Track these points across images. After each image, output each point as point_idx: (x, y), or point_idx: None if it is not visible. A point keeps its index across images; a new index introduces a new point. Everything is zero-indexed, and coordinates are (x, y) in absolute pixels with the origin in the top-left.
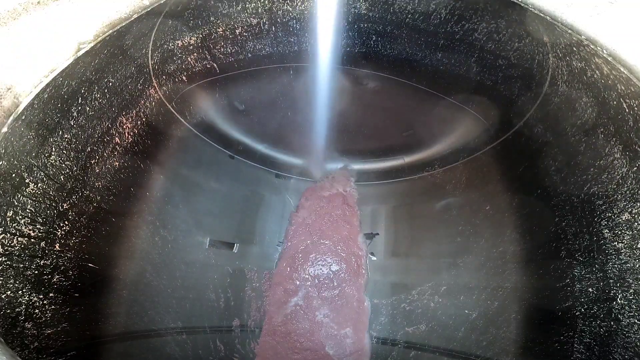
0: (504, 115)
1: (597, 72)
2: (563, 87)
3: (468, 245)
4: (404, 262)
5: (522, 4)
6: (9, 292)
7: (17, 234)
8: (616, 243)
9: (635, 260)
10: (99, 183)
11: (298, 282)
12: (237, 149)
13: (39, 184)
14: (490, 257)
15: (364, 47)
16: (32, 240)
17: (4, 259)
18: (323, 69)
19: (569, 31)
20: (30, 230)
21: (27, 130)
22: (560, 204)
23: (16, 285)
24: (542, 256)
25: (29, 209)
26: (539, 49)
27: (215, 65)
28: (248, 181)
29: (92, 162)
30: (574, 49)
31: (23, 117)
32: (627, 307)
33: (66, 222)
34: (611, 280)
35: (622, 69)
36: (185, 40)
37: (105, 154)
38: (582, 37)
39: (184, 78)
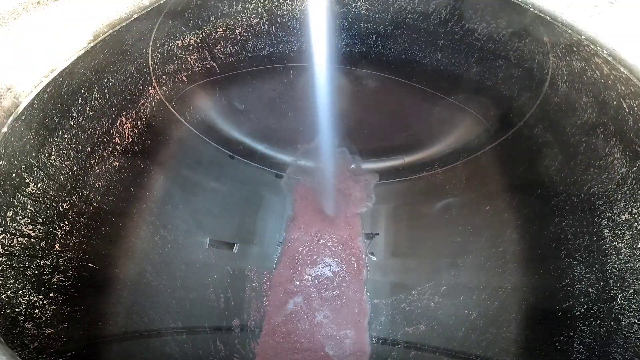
0: (504, 115)
1: (597, 72)
2: (563, 87)
3: (468, 245)
4: (404, 262)
5: (522, 4)
6: (9, 292)
7: (17, 234)
8: (616, 243)
9: (635, 260)
10: (99, 183)
11: (298, 283)
12: (237, 149)
13: (39, 184)
14: (490, 257)
15: (364, 47)
16: (32, 240)
17: (4, 259)
18: (323, 69)
19: (569, 31)
20: (30, 230)
21: (27, 130)
22: (560, 204)
23: (16, 285)
24: (542, 256)
25: (29, 209)
26: (539, 49)
27: (215, 65)
28: (248, 181)
29: (92, 162)
30: (574, 49)
31: (23, 117)
32: (627, 307)
33: (66, 222)
34: (611, 280)
35: (622, 69)
36: (185, 40)
37: (105, 154)
38: (582, 37)
39: (184, 78)
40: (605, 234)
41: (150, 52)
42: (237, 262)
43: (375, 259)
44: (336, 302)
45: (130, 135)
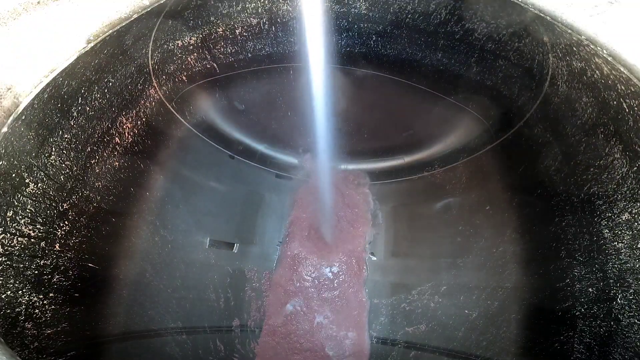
0: (504, 115)
1: (597, 72)
2: (563, 87)
3: (468, 245)
4: (404, 262)
5: (522, 4)
6: (9, 292)
7: (17, 234)
8: (616, 243)
9: (635, 260)
10: (99, 183)
11: (298, 283)
12: (237, 149)
13: (39, 184)
14: (490, 257)
15: (364, 47)
16: (32, 240)
17: (4, 259)
18: (323, 69)
19: (569, 31)
20: (30, 230)
21: (27, 130)
22: (560, 204)
23: (16, 285)
24: (542, 256)
25: (29, 209)
26: (539, 49)
27: (215, 65)
28: (248, 181)
29: (92, 162)
30: (574, 49)
31: (23, 117)
32: (627, 307)
33: (66, 222)
34: (611, 280)
35: (622, 69)
36: (185, 40)
37: (105, 154)
38: (582, 37)
39: (184, 78)
40: (605, 234)
41: (150, 52)
42: (237, 262)
43: (375, 259)
44: (336, 303)
45: (130, 135)
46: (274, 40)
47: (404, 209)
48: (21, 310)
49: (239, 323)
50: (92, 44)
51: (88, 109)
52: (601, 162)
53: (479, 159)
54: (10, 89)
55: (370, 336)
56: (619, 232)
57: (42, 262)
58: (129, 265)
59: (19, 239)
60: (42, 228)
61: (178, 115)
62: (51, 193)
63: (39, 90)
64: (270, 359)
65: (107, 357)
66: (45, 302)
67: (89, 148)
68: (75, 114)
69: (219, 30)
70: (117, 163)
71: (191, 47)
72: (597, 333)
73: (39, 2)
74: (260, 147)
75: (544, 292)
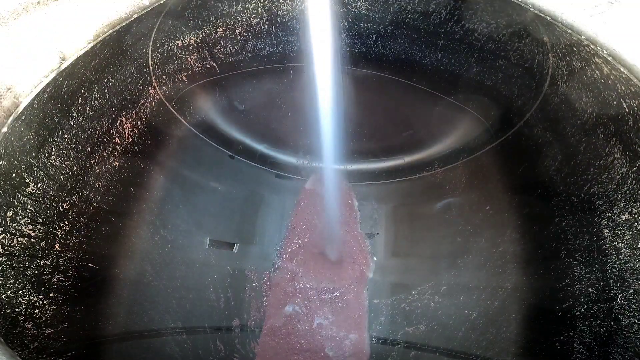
0: (504, 115)
1: (597, 72)
2: (563, 87)
3: (468, 245)
4: (404, 262)
5: (522, 4)
6: (9, 292)
7: (17, 234)
8: (616, 243)
9: (635, 260)
10: (99, 183)
11: (298, 284)
12: (237, 149)
13: (39, 184)
14: (490, 257)
15: (364, 47)
16: (32, 240)
17: (4, 259)
18: (323, 69)
19: (569, 31)
20: (30, 230)
21: (27, 130)
22: (560, 204)
23: (16, 285)
24: (542, 256)
25: (29, 209)
26: (539, 49)
27: (215, 65)
28: (248, 181)
29: (92, 162)
30: (574, 49)
31: (23, 117)
32: (627, 307)
33: (66, 222)
34: (611, 280)
35: (622, 69)
36: (185, 40)
37: (105, 154)
38: (582, 37)
39: (184, 78)
40: (605, 234)
41: (150, 52)
42: (237, 262)
43: (375, 259)
44: (336, 304)
45: (130, 135)
46: (274, 40)
47: (404, 209)
48: (21, 310)
49: (239, 323)
50: (92, 44)
51: (88, 109)
52: (601, 162)
53: (479, 159)
54: (10, 89)
55: (370, 336)
56: (619, 232)
57: (42, 262)
58: (129, 265)
59: (19, 239)
60: (42, 228)
61: (178, 115)
62: (51, 193)
63: (39, 90)
64: (270, 359)
65: (107, 357)
66: (45, 302)
67: (89, 148)
68: (75, 114)
69: (219, 30)
70: (117, 163)
71: (191, 47)
72: (597, 333)
73: (39, 2)
74: (260, 147)
75: (544, 292)
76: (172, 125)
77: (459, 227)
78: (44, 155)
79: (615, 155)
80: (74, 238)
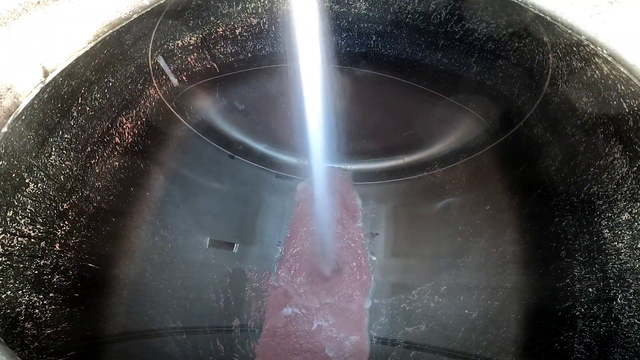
0: (504, 115)
1: (597, 72)
2: (563, 87)
3: (468, 245)
4: (404, 262)
5: (522, 4)
6: (9, 292)
7: (17, 234)
8: (616, 243)
9: (635, 260)
10: (99, 183)
11: (298, 284)
12: (237, 149)
13: (39, 184)
14: (490, 257)
15: (364, 47)
16: (32, 240)
17: (4, 259)
18: (323, 69)
19: (569, 31)
20: (30, 230)
21: (27, 130)
22: (560, 204)
23: (16, 285)
24: (542, 256)
25: (29, 209)
26: (539, 49)
27: (215, 65)
28: (248, 181)
29: (92, 162)
30: (574, 49)
31: (23, 117)
32: (627, 307)
33: (66, 222)
34: (611, 280)
35: (622, 69)
36: (185, 40)
37: (105, 154)
38: (582, 37)
39: (184, 78)
40: (605, 234)
41: (150, 52)
42: (237, 262)
43: (375, 259)
44: (336, 304)
45: (130, 135)
46: (274, 40)
47: (404, 209)
48: (21, 310)
49: (239, 323)
50: (92, 44)
51: (88, 109)
52: (601, 162)
53: (479, 159)
54: (10, 89)
55: (370, 336)
56: (619, 232)
57: (42, 262)
58: (129, 265)
59: (19, 239)
60: (42, 228)
61: (178, 115)
62: (51, 193)
63: (39, 90)
64: (270, 359)
65: (107, 357)
66: (45, 302)
67: (89, 148)
68: (75, 114)
69: (219, 30)
70: (117, 163)
71: (191, 47)
72: (597, 333)
73: (39, 2)
74: (260, 147)
75: (544, 292)
76: (172, 125)
77: (459, 227)
78: (44, 155)
79: (615, 155)
80: (74, 238)
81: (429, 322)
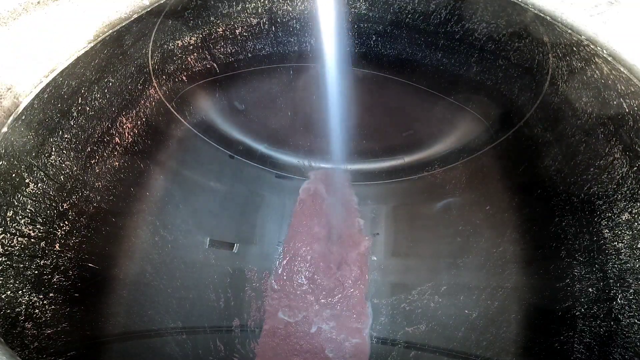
0: (504, 115)
1: (597, 72)
2: (563, 87)
3: (468, 245)
4: (404, 262)
5: (522, 4)
6: (9, 292)
7: (17, 234)
8: (616, 243)
9: (635, 260)
10: (99, 183)
11: (297, 285)
12: (237, 149)
13: (39, 184)
14: (490, 257)
15: (364, 47)
16: (32, 240)
17: (4, 259)
18: (323, 69)
19: (569, 31)
20: (30, 230)
21: (27, 130)
22: (560, 204)
23: (16, 285)
24: (542, 256)
25: (29, 209)
26: (539, 49)
27: (215, 65)
28: (248, 181)
29: (92, 162)
30: (574, 49)
31: (23, 117)
32: (627, 307)
33: (66, 222)
34: (611, 280)
35: (622, 69)
36: (185, 40)
37: (105, 154)
38: (582, 37)
39: (184, 78)
40: (605, 234)
41: (150, 52)
42: (237, 262)
43: (375, 259)
44: (336, 305)
45: (130, 135)
46: (274, 40)
47: (404, 209)
48: (21, 310)
49: (239, 323)
50: (92, 44)
51: (88, 109)
52: (601, 162)
53: (479, 159)
54: (10, 89)
55: (370, 336)
56: (619, 232)
57: (42, 262)
58: (129, 265)
59: (19, 239)
60: (42, 228)
61: (178, 115)
62: (51, 193)
63: (39, 90)
64: (270, 359)
65: (107, 357)
66: (45, 302)
67: (89, 148)
68: (75, 114)
69: (219, 30)
70: (117, 163)
71: (191, 47)
72: (597, 333)
73: (39, 2)
74: (260, 147)
75: (544, 292)
76: (172, 125)
77: (459, 227)
78: (44, 155)
79: (615, 155)
80: (74, 238)
81: (429, 322)
